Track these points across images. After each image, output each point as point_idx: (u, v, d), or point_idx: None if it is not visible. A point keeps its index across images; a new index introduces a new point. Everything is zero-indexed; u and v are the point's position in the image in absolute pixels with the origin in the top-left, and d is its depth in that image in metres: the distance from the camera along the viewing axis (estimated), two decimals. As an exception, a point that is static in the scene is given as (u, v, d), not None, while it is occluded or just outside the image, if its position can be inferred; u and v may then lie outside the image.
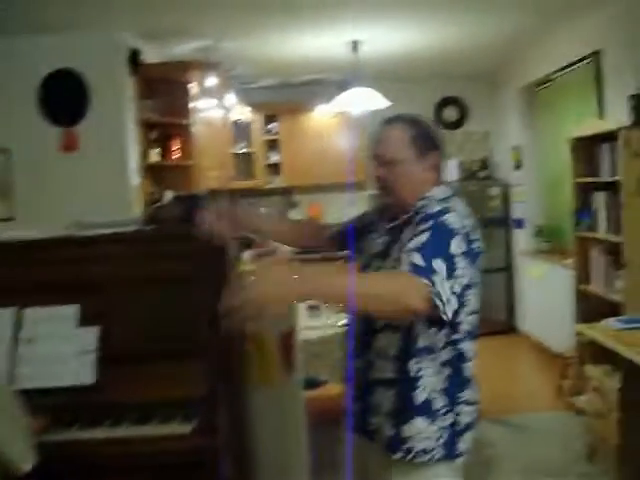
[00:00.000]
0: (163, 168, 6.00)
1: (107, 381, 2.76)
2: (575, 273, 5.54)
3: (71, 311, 2.90)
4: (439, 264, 1.97)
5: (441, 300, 1.93)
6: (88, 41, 5.43)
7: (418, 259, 1.97)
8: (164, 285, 2.97)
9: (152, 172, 5.95)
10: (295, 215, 8.98)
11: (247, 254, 8.10)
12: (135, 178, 5.68)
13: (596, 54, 5.78)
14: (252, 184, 8.53)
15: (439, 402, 2.18)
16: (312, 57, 7.07)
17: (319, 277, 1.91)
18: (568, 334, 5.69)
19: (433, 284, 1.92)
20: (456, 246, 2.05)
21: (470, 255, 2.09)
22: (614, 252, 4.95)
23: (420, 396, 2.17)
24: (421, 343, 2.17)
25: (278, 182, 8.68)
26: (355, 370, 2.30)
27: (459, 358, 2.21)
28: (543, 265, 7.21)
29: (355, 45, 6.39)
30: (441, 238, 2.05)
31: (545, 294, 7.09)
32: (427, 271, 1.94)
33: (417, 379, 2.17)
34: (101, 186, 5.45)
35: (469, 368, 2.26)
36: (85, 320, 2.88)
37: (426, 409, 2.17)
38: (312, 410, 3.77)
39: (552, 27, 6.28)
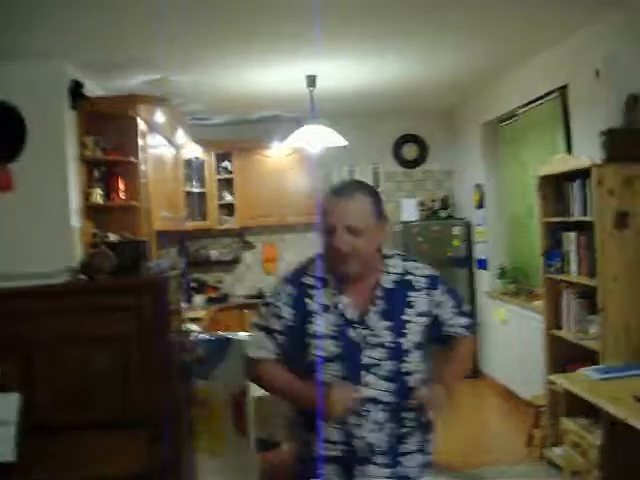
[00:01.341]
0: (107, 209, 5.62)
1: (30, 457, 2.42)
2: (545, 317, 5.28)
3: (-12, 375, 2.55)
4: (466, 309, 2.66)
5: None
6: (25, 71, 5.06)
7: (465, 320, 2.60)
8: (98, 343, 2.65)
9: (95, 213, 5.57)
10: (250, 258, 8.69)
11: (198, 299, 7.81)
12: (76, 220, 5.30)
13: (562, 89, 5.61)
14: (205, 225, 8.23)
15: None
16: (267, 93, 6.85)
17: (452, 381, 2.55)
18: (539, 381, 5.44)
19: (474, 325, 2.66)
20: None
21: None
22: (587, 295, 4.70)
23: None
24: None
25: (232, 223, 8.37)
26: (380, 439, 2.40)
27: None
28: (509, 307, 6.97)
29: (311, 80, 6.18)
30: (453, 291, 2.60)
31: (512, 338, 6.84)
32: (472, 322, 2.63)
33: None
34: (39, 229, 5.07)
35: None
36: (4, 385, 2.53)
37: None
38: (268, 470, 3.47)
39: (515, 61, 6.16)
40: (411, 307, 2.42)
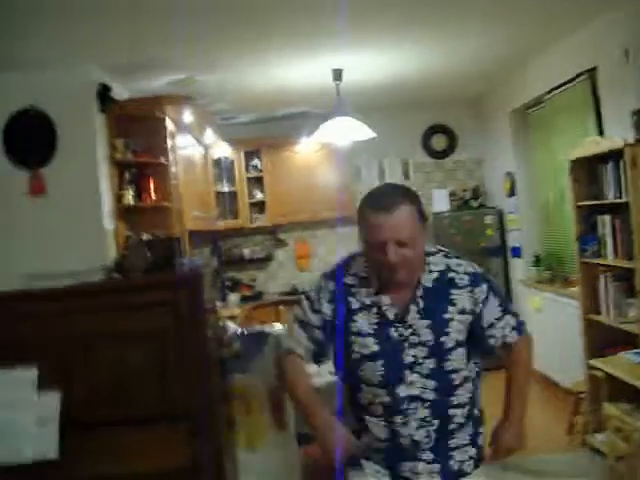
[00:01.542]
0: (139, 210, 5.65)
1: (72, 454, 2.43)
2: (582, 302, 5.21)
3: (28, 374, 2.56)
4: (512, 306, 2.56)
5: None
6: (54, 78, 5.13)
7: (513, 321, 2.48)
8: (134, 341, 2.66)
9: (127, 215, 5.60)
10: (282, 255, 8.69)
11: (232, 297, 7.83)
12: (109, 222, 5.34)
13: (591, 71, 5.52)
14: (237, 223, 8.25)
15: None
16: (294, 89, 6.83)
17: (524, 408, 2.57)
18: (577, 367, 5.38)
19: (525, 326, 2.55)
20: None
21: None
22: (625, 278, 4.64)
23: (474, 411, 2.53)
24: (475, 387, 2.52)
25: (263, 220, 8.38)
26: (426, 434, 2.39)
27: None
28: (544, 295, 6.89)
29: (338, 74, 6.15)
30: (499, 289, 2.51)
31: (549, 325, 6.75)
32: (521, 321, 2.52)
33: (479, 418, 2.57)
34: (72, 231, 5.12)
35: None
36: (45, 384, 2.55)
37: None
38: (310, 465, 3.45)
39: (542, 46, 6.08)
40: (453, 305, 2.36)
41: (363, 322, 2.35)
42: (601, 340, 4.98)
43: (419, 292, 2.36)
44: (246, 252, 8.59)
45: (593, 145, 4.93)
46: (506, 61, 6.58)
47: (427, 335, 2.33)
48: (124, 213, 5.59)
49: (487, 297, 2.41)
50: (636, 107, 4.52)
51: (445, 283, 2.38)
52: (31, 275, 2.78)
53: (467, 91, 7.91)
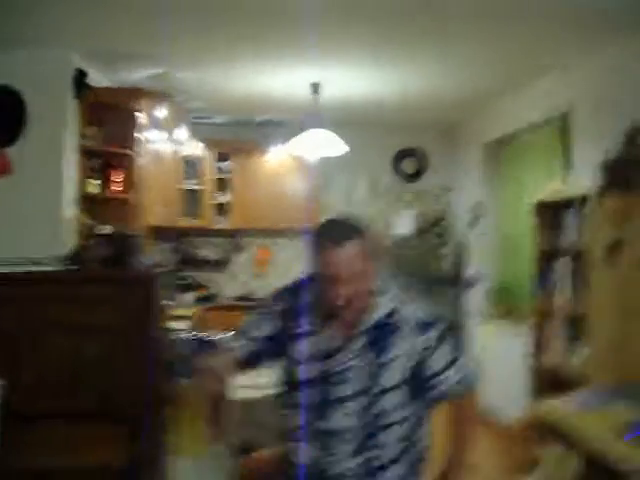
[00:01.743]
0: (103, 201, 5.60)
1: (10, 444, 2.40)
2: (531, 341, 5.27)
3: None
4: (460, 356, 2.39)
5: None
6: (30, 57, 5.07)
7: (460, 373, 2.35)
8: (82, 333, 2.64)
9: (90, 204, 5.54)
10: (241, 259, 8.66)
11: (186, 297, 7.78)
12: (70, 209, 5.27)
13: (564, 115, 5.61)
14: (198, 223, 8.20)
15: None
16: (271, 96, 6.83)
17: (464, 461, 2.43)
18: (519, 406, 5.42)
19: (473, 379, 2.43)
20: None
21: None
22: (575, 323, 4.70)
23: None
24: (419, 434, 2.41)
25: (225, 223, 8.34)
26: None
27: None
28: (495, 329, 6.95)
29: (315, 87, 6.19)
30: (451, 339, 2.37)
31: (496, 360, 6.81)
32: (469, 374, 2.40)
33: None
34: (33, 215, 5.05)
35: None
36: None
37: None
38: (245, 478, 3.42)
39: (520, 84, 6.18)
40: (393, 349, 2.27)
41: (302, 348, 2.32)
42: (547, 381, 5.03)
43: (362, 330, 2.29)
44: (205, 253, 8.54)
45: (558, 191, 5.00)
46: (483, 93, 6.65)
47: (360, 375, 2.27)
48: (87, 202, 5.52)
49: (434, 346, 2.30)
50: (603, 157, 4.58)
51: (390, 325, 2.29)
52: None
53: (442, 118, 7.97)
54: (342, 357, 2.28)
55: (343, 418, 2.26)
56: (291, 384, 2.35)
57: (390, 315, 2.30)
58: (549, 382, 4.93)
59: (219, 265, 8.63)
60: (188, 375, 3.29)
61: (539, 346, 5.18)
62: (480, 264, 7.72)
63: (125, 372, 2.66)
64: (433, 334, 2.30)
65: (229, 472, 3.26)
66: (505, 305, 7.13)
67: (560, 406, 4.03)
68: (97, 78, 5.68)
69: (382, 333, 2.28)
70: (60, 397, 2.64)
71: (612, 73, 4.93)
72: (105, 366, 2.68)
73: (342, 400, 2.26)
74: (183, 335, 3.50)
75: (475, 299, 7.76)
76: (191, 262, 8.37)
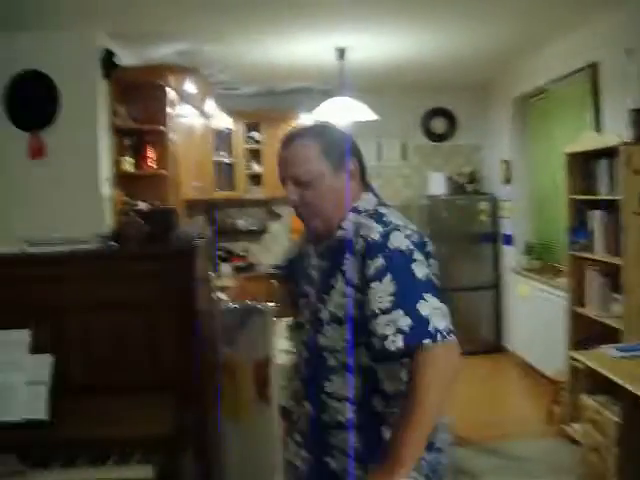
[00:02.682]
0: (137, 177, 5.69)
1: (61, 416, 2.50)
2: (569, 294, 5.28)
3: (22, 336, 2.63)
4: (425, 304, 1.83)
5: (450, 334, 1.83)
6: (58, 41, 5.12)
7: (404, 320, 1.81)
8: (127, 309, 2.72)
9: (125, 182, 5.63)
10: (277, 227, 8.73)
11: (225, 268, 7.89)
12: (106, 188, 5.37)
13: (593, 66, 5.56)
14: (233, 194, 8.29)
15: None
16: (297, 64, 6.84)
17: (403, 453, 1.82)
18: (560, 357, 5.46)
19: (435, 333, 1.80)
20: (420, 266, 1.91)
21: (428, 259, 1.99)
22: (612, 274, 4.71)
23: (387, 434, 1.95)
24: (388, 385, 1.98)
25: (259, 193, 8.42)
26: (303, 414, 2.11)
27: None
28: (532, 283, 6.97)
29: (341, 52, 6.17)
30: (404, 273, 1.87)
31: (535, 314, 6.85)
32: (421, 328, 1.81)
33: (383, 419, 1.98)
34: (70, 196, 5.15)
35: None
36: (37, 347, 2.61)
37: None
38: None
39: (547, 37, 6.10)
40: (341, 272, 1.97)
41: (296, 270, 2.25)
42: (584, 332, 5.04)
43: (321, 250, 2.10)
44: (240, 223, 8.64)
45: (589, 141, 4.98)
46: (510, 49, 6.59)
47: (313, 298, 2.07)
48: (122, 180, 5.61)
49: (377, 276, 1.86)
50: (635, 106, 4.55)
51: (344, 246, 1.98)
52: (28, 240, 2.83)
53: (470, 77, 7.91)
54: (311, 276, 2.11)
55: (302, 346, 2.13)
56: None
57: (352, 232, 1.99)
58: (589, 334, 4.94)
59: (255, 234, 8.72)
60: (229, 344, 3.38)
61: (577, 299, 5.18)
62: (514, 220, 7.71)
63: (172, 344, 2.75)
64: (380, 260, 1.88)
65: (273, 435, 3.35)
66: (542, 260, 7.13)
67: (602, 355, 4.07)
68: (124, 57, 5.73)
69: (337, 252, 2.00)
70: (108, 371, 2.73)
71: (638, 23, 4.87)
72: (151, 339, 2.77)
73: (304, 323, 2.12)
74: (226, 305, 3.59)
75: (512, 255, 7.76)
76: (227, 233, 8.47)
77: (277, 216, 8.79)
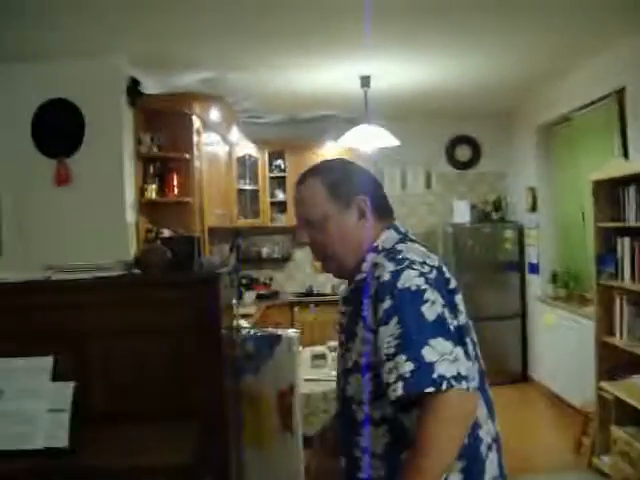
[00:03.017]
0: (161, 205, 5.72)
1: (82, 444, 2.47)
2: (596, 323, 5.20)
3: (44, 363, 2.61)
4: (431, 349, 1.66)
5: (462, 381, 1.65)
6: (84, 69, 5.18)
7: (406, 366, 1.65)
8: (150, 336, 2.70)
9: (149, 209, 5.66)
10: (301, 255, 8.71)
11: (248, 296, 7.88)
12: (131, 215, 5.40)
13: (619, 92, 5.51)
14: (257, 222, 8.29)
15: None
16: (321, 92, 6.86)
17: None
18: (587, 387, 5.36)
19: (441, 381, 1.63)
20: (431, 307, 1.73)
21: (449, 296, 1.82)
22: (640, 302, 4.63)
23: None
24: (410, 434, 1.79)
25: (283, 221, 8.42)
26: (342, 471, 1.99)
27: None
28: (559, 312, 6.89)
29: (365, 81, 6.18)
30: (412, 315, 1.71)
31: (562, 344, 6.76)
32: (424, 375, 1.64)
33: None
34: (95, 222, 5.17)
35: None
36: (59, 374, 2.59)
37: None
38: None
39: (571, 63, 6.08)
40: (361, 317, 1.86)
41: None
42: (612, 362, 4.96)
43: (346, 292, 2.01)
44: (264, 251, 8.63)
45: (616, 167, 4.92)
46: (535, 77, 6.58)
47: (343, 346, 1.98)
48: (146, 207, 5.64)
49: (385, 319, 1.74)
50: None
51: (361, 289, 1.88)
52: (51, 266, 2.83)
53: (494, 104, 7.90)
54: (356, 331, 1.92)
55: (348, 386, 1.96)
56: None
57: (368, 275, 1.88)
58: (618, 364, 4.86)
59: (279, 262, 8.71)
60: (253, 372, 3.35)
61: (606, 328, 5.10)
62: (541, 248, 7.64)
63: (193, 372, 2.71)
64: (388, 302, 1.75)
65: (296, 462, 3.31)
66: (568, 289, 7.05)
67: (632, 385, 4.00)
68: (149, 84, 5.78)
69: (356, 298, 1.91)
70: (130, 399, 2.70)
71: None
72: (173, 367, 2.74)
73: (343, 373, 1.99)
74: (247, 332, 3.56)
75: (538, 283, 7.67)
76: (251, 261, 8.47)
77: (301, 244, 8.74)
